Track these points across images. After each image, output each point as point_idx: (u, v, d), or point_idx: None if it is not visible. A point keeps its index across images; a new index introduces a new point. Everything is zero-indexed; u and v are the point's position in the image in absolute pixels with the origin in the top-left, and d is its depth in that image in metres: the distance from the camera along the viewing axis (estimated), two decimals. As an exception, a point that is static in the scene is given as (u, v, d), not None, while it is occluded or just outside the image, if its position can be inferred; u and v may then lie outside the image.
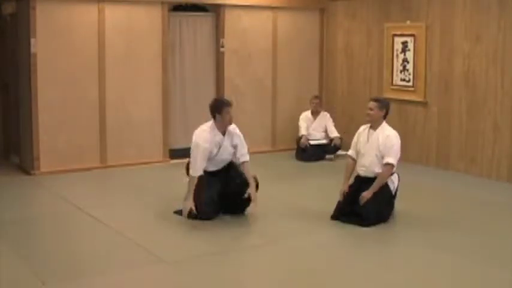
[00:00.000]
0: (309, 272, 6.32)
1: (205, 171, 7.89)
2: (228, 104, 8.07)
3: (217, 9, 11.66)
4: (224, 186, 7.98)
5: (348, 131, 12.26)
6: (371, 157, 7.94)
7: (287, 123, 12.50)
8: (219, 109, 8.00)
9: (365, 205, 7.71)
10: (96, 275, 6.21)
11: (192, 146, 7.91)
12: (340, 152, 11.86)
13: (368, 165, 7.98)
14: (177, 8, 11.35)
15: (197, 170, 7.81)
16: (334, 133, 11.97)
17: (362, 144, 8.09)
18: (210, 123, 8.03)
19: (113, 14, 10.54)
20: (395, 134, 7.99)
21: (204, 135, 7.91)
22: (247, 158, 8.09)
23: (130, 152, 10.87)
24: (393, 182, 8.02)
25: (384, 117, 8.05)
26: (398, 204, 8.13)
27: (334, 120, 12.13)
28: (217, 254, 6.83)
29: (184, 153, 11.13)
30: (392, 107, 11.39)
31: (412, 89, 11.23)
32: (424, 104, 11.09)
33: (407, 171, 10.77)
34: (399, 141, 8.00)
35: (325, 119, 12.13)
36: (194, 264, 6.51)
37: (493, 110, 10.07)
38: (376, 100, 8.15)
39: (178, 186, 9.13)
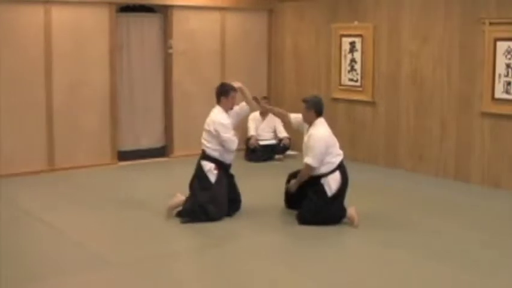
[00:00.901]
0: (257, 273, 6.34)
1: (223, 164, 8.13)
2: (234, 89, 8.33)
3: (165, 10, 11.61)
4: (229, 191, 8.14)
5: (296, 131, 12.30)
6: (305, 151, 8.01)
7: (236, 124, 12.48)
8: (226, 93, 8.26)
9: (302, 206, 7.85)
10: (46, 278, 6.15)
11: (219, 128, 8.03)
12: (289, 152, 11.92)
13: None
14: (125, 9, 11.27)
15: (235, 141, 8.12)
16: (283, 133, 12.00)
17: (304, 142, 8.08)
18: (218, 107, 8.27)
19: (60, 15, 10.42)
20: (321, 134, 7.85)
21: (223, 115, 8.16)
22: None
23: (78, 155, 10.76)
24: (330, 185, 7.82)
25: (318, 115, 7.96)
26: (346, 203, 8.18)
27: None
28: (164, 256, 6.81)
29: (133, 155, 11.15)
30: (341, 106, 11.57)
31: (360, 89, 11.32)
32: (372, 103, 11.18)
33: (357, 170, 10.87)
34: (322, 142, 7.80)
35: (274, 120, 12.14)
36: (142, 266, 6.49)
37: (439, 109, 10.20)
38: (303, 101, 8.08)
39: (127, 189, 9.10)
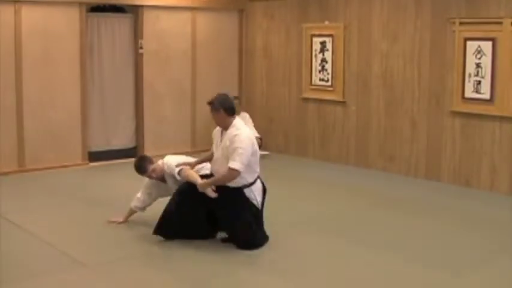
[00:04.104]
0: (206, 277, 6.34)
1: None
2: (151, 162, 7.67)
3: (135, 10, 11.56)
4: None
5: (267, 131, 12.34)
6: (224, 163, 6.84)
7: (207, 124, 12.40)
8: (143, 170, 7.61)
9: (228, 226, 7.04)
10: (16, 281, 6.08)
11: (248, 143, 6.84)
12: (260, 152, 11.85)
13: (222, 171, 6.89)
14: (95, 9, 11.21)
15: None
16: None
17: (215, 147, 7.13)
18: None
19: (30, 15, 10.33)
20: (247, 134, 6.86)
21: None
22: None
23: (49, 156, 10.68)
24: (256, 197, 7.00)
25: (230, 114, 6.91)
26: (313, 204, 8.20)
27: (254, 121, 12.14)
28: (137, 257, 6.79)
29: (104, 155, 11.11)
30: (312, 106, 11.61)
31: (331, 88, 11.34)
32: (342, 103, 11.21)
33: (327, 170, 10.93)
34: (249, 142, 6.80)
35: (245, 120, 12.05)
36: (113, 266, 6.48)
37: (410, 108, 10.25)
38: (208, 104, 7.03)
39: (97, 189, 9.05)
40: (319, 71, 11.52)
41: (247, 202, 6.92)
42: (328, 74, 11.39)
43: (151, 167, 7.51)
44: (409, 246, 7.10)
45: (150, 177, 7.58)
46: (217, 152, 7.02)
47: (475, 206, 8.77)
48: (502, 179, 9.33)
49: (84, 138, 11.04)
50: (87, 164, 11.09)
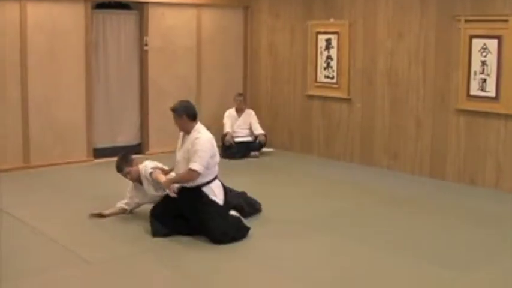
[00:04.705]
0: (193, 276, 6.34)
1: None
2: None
3: (140, 7, 11.56)
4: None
5: (272, 128, 12.34)
6: (184, 165, 7.24)
7: (212, 121, 12.39)
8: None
9: (200, 229, 7.23)
10: (20, 277, 6.10)
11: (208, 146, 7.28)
12: (265, 149, 11.92)
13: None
14: (100, 5, 11.21)
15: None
16: (258, 130, 11.99)
17: (177, 151, 7.50)
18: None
19: (35, 12, 10.34)
20: (207, 137, 7.25)
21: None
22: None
23: (54, 152, 10.70)
24: (215, 193, 7.30)
25: (192, 119, 7.35)
26: (317, 201, 8.18)
27: (258, 118, 12.15)
28: (139, 252, 6.81)
29: (109, 152, 11.10)
30: (316, 103, 11.60)
31: (336, 85, 11.34)
32: (347, 100, 11.20)
33: (332, 167, 10.93)
34: (209, 145, 7.21)
35: (250, 117, 12.15)
36: (117, 263, 6.49)
37: (415, 106, 10.24)
38: (171, 110, 7.47)
39: (101, 186, 9.05)
40: (324, 68, 11.52)
41: (208, 200, 7.22)
42: (333, 71, 11.39)
43: (127, 169, 7.92)
44: (414, 244, 7.10)
45: (125, 177, 8.01)
46: (178, 155, 7.40)
47: (480, 204, 8.75)
48: (507, 177, 9.31)
49: (89, 135, 11.06)
50: (92, 160, 11.11)
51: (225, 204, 7.36)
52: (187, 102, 7.58)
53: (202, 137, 7.20)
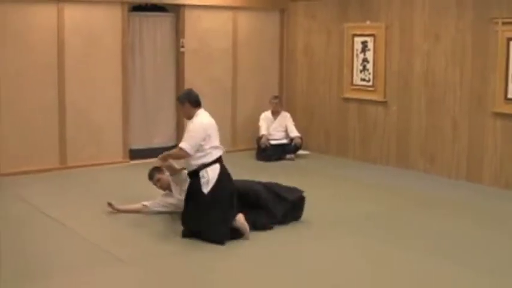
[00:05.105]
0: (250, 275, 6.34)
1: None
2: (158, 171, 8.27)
3: (177, 9, 11.62)
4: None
5: (308, 131, 12.32)
6: None
7: (247, 123, 12.50)
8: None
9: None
10: (56, 275, 6.16)
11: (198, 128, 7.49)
12: (300, 152, 11.90)
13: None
14: (137, 8, 11.29)
15: None
16: (294, 133, 11.97)
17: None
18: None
19: (73, 14, 10.45)
20: (200, 121, 7.41)
21: None
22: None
23: (90, 153, 10.79)
24: (208, 177, 7.32)
25: (194, 105, 7.56)
26: (352, 204, 8.15)
27: (294, 120, 12.14)
28: (175, 253, 6.84)
29: (145, 153, 11.15)
30: (353, 106, 11.58)
31: (372, 88, 11.29)
32: (384, 103, 11.15)
33: (368, 170, 10.88)
34: (200, 127, 7.33)
35: (286, 119, 12.14)
36: (152, 263, 6.51)
37: (451, 108, 10.16)
38: (177, 100, 7.99)
39: (136, 187, 9.09)
40: (361, 71, 11.48)
41: (198, 189, 7.30)
42: (369, 73, 11.35)
43: (158, 175, 8.22)
44: (449, 248, 7.03)
45: (155, 185, 8.28)
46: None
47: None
48: (544, 181, 9.23)
49: (125, 136, 11.13)
50: (128, 161, 11.17)
51: (223, 199, 7.31)
52: (190, 89, 7.92)
53: (197, 120, 7.42)
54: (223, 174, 7.41)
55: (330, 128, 12.21)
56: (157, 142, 11.63)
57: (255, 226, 7.44)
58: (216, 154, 7.42)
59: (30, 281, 6.00)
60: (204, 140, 7.33)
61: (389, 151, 11.17)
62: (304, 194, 7.96)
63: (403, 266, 6.52)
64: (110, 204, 8.19)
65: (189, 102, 7.55)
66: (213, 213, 7.16)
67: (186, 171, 7.76)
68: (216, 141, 7.47)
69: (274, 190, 7.86)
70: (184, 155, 7.36)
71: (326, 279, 6.16)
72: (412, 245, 7.14)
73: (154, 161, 7.85)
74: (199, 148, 7.30)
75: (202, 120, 7.43)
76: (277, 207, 7.71)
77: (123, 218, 7.94)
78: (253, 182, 7.98)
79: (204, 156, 7.35)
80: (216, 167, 7.37)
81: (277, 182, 8.17)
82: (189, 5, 11.60)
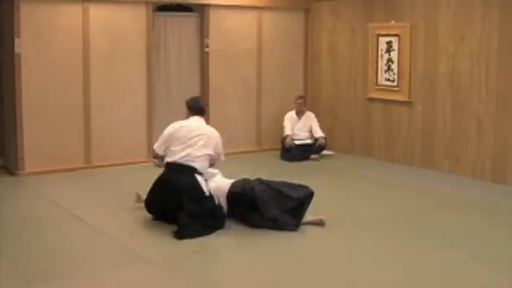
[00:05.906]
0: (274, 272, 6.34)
1: None
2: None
3: (201, 9, 11.65)
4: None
5: (333, 131, 12.31)
6: None
7: (272, 123, 12.50)
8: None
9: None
10: (80, 275, 6.18)
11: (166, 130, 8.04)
12: (325, 152, 11.89)
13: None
14: (162, 8, 11.34)
15: None
16: (318, 133, 11.97)
17: None
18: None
19: (98, 14, 10.51)
20: (170, 126, 7.89)
21: None
22: None
23: (115, 152, 10.84)
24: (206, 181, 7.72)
25: (190, 112, 8.03)
26: (376, 205, 8.12)
27: (319, 120, 12.13)
28: (201, 252, 6.83)
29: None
30: (377, 106, 11.55)
31: (397, 88, 11.26)
32: (408, 103, 11.11)
33: (392, 170, 10.85)
34: (166, 132, 7.87)
35: (310, 119, 12.13)
36: (178, 263, 6.52)
37: (477, 109, 10.11)
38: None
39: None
40: (385, 71, 11.44)
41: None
42: (394, 74, 11.31)
43: None
44: (476, 249, 6.97)
45: None
46: None
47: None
48: None
49: (150, 136, 11.16)
50: (153, 161, 11.20)
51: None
52: (195, 97, 8.52)
53: (174, 123, 7.93)
54: (161, 179, 7.82)
55: (354, 128, 12.19)
56: (181, 142, 11.65)
57: (253, 226, 7.55)
58: (169, 158, 7.78)
59: (55, 280, 6.03)
60: (170, 142, 7.79)
61: (413, 151, 11.13)
62: (313, 191, 7.80)
63: (431, 267, 6.47)
64: (137, 196, 8.31)
65: (188, 107, 8.08)
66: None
67: (213, 170, 7.90)
68: (178, 146, 7.71)
69: (277, 189, 7.75)
70: (154, 154, 8.19)
71: (350, 279, 6.15)
72: (439, 245, 7.08)
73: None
74: (166, 149, 7.86)
75: (177, 124, 7.88)
76: (272, 211, 7.55)
77: (148, 218, 7.95)
78: (254, 181, 7.86)
79: (167, 157, 7.81)
80: (163, 170, 7.86)
81: (285, 180, 8.10)
82: (213, 5, 11.63)
